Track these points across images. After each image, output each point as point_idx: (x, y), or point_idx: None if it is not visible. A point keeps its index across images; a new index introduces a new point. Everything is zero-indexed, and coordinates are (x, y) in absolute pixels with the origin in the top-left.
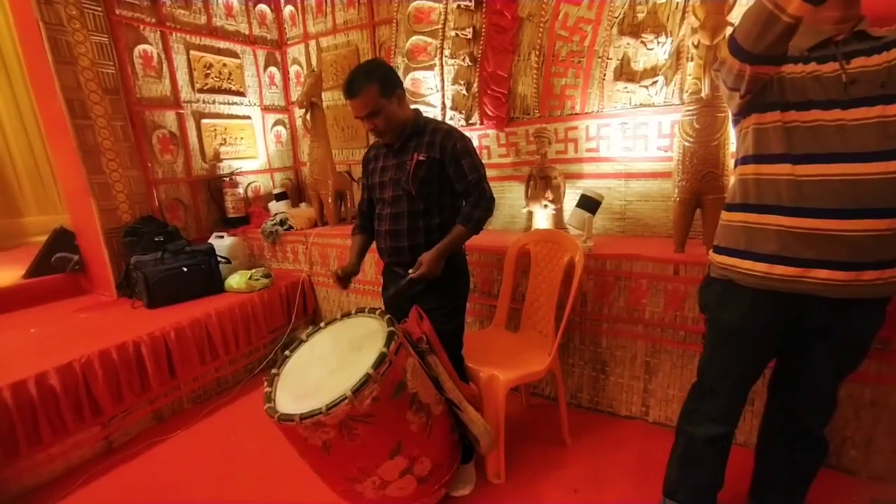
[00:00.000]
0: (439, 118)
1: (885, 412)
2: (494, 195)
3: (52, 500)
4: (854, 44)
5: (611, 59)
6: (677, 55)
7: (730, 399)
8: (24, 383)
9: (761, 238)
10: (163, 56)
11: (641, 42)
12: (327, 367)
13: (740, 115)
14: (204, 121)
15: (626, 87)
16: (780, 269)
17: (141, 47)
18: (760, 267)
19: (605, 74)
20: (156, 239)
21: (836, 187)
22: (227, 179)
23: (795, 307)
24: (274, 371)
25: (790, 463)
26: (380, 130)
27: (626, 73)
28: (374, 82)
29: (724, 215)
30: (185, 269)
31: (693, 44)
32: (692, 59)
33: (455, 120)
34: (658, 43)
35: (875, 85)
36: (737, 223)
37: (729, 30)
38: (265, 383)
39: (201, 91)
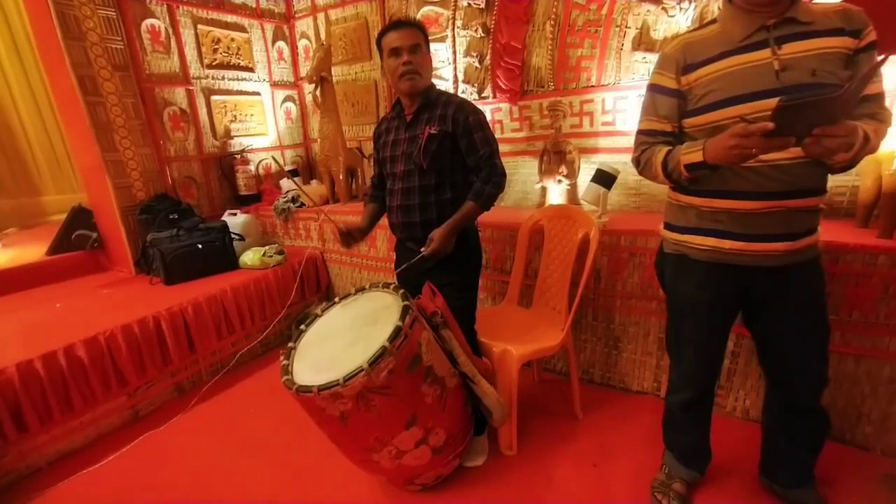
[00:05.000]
0: (451, 91)
1: None
2: (507, 171)
3: (87, 464)
4: (784, 28)
5: (629, 27)
6: (700, 21)
7: (692, 365)
8: (54, 354)
9: (708, 217)
10: (170, 31)
11: (662, 8)
12: (343, 340)
13: None
14: (214, 97)
15: (644, 58)
16: (727, 244)
17: (148, 21)
18: (710, 241)
19: (622, 44)
20: (170, 216)
21: (772, 173)
22: (239, 157)
23: (742, 278)
24: (290, 345)
25: (790, 435)
26: (413, 69)
27: (644, 42)
28: (422, 30)
29: (672, 195)
30: (199, 246)
31: (719, 7)
32: None
33: (467, 93)
34: (680, 9)
35: (806, 72)
36: (685, 203)
37: None
38: (282, 357)
39: (210, 67)
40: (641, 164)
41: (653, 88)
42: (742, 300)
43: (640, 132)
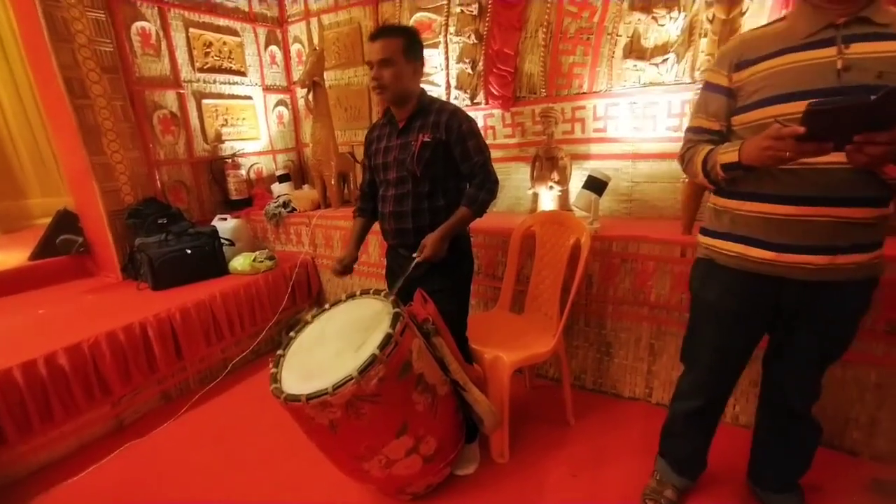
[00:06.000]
0: (444, 97)
1: (891, 394)
2: (499, 177)
3: (68, 475)
4: (855, 27)
5: (620, 35)
6: (690, 31)
7: (705, 373)
8: (34, 363)
9: (742, 222)
10: (161, 34)
11: (653, 18)
12: (333, 347)
13: None
14: (205, 101)
15: (635, 65)
16: (755, 252)
17: (139, 24)
18: (737, 248)
19: (614, 52)
20: (159, 221)
21: (811, 177)
22: (230, 161)
23: (772, 289)
24: (279, 352)
25: (781, 441)
26: (383, 84)
27: (635, 50)
28: (402, 37)
29: (712, 199)
30: (188, 252)
31: (708, 18)
32: (706, 35)
33: (460, 99)
34: (670, 18)
35: (871, 73)
36: (721, 207)
37: (746, 3)
38: (271, 364)
39: (201, 70)
40: (685, 161)
41: (706, 86)
42: (770, 312)
43: (688, 129)
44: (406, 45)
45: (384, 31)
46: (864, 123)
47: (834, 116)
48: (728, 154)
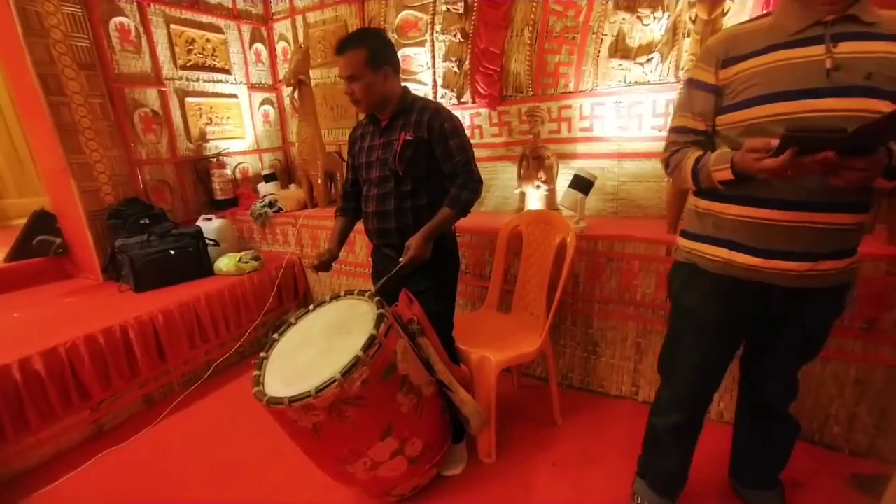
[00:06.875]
0: (430, 96)
1: (869, 390)
2: (486, 176)
3: (42, 484)
4: (843, 25)
5: (606, 35)
6: (674, 31)
7: (686, 385)
8: (8, 368)
9: (726, 225)
10: (141, 29)
11: (637, 17)
12: (317, 349)
13: None
14: (188, 99)
15: (620, 65)
16: (741, 258)
17: (117, 19)
18: (722, 252)
19: (599, 51)
20: (141, 221)
21: (798, 180)
22: (214, 160)
23: (756, 295)
24: (262, 354)
25: (760, 439)
26: (355, 98)
27: (621, 49)
28: (365, 48)
29: (692, 200)
30: (172, 252)
31: (690, 18)
32: (689, 35)
33: (446, 98)
34: (654, 18)
35: (860, 74)
36: (703, 210)
37: (727, 4)
38: (254, 367)
39: (184, 68)
40: (671, 166)
41: (690, 83)
42: (753, 318)
43: (672, 129)
44: (370, 55)
45: (345, 45)
46: (843, 149)
47: (811, 143)
48: (722, 172)
